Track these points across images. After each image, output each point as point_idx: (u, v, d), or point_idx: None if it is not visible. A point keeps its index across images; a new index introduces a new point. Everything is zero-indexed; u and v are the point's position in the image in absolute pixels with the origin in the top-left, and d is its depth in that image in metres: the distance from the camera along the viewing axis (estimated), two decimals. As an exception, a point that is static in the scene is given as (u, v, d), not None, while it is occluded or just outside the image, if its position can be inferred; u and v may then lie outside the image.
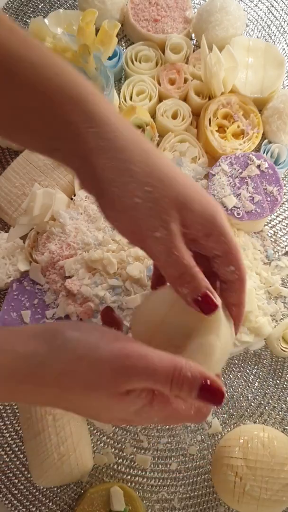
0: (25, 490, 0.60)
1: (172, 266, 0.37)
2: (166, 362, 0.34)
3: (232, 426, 0.61)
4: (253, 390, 0.63)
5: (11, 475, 0.61)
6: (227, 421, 0.62)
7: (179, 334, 0.40)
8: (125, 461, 0.61)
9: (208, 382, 0.35)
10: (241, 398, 0.62)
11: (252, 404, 0.62)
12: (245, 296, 0.41)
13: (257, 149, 0.67)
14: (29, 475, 0.60)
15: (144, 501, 0.60)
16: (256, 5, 0.77)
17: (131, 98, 0.68)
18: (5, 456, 0.61)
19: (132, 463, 0.61)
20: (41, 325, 0.43)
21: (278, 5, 0.77)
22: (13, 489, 0.60)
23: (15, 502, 0.60)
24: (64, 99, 0.36)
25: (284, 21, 0.76)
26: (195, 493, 0.60)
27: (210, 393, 0.35)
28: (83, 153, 0.37)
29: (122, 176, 0.36)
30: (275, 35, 0.75)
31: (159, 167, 0.37)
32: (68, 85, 0.37)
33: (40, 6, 0.76)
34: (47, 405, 0.38)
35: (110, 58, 0.68)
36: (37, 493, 0.60)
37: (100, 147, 0.36)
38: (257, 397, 0.62)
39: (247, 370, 0.63)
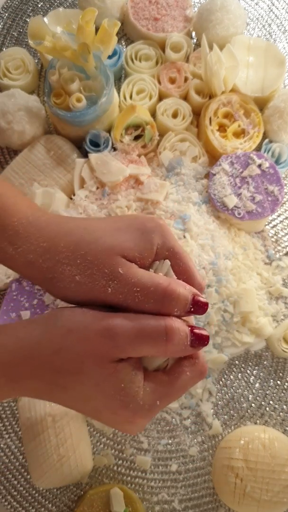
0: (24, 492, 0.60)
1: (145, 302, 0.36)
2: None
3: (232, 427, 0.61)
4: (253, 391, 0.62)
5: (10, 476, 0.60)
6: (228, 422, 0.61)
7: None
8: (125, 462, 0.61)
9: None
10: (242, 399, 0.62)
11: (253, 405, 0.62)
12: (192, 265, 0.40)
13: (258, 149, 0.67)
14: (28, 477, 0.60)
15: (144, 503, 0.59)
16: (257, 4, 0.77)
17: (131, 97, 0.68)
18: (4, 458, 0.61)
19: (132, 464, 0.60)
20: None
21: (279, 3, 0.76)
22: (13, 490, 0.60)
23: (14, 503, 0.60)
24: None
25: (285, 20, 0.76)
26: (196, 495, 0.60)
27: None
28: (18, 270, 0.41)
29: (56, 271, 0.38)
30: (276, 34, 0.75)
31: (75, 235, 0.39)
32: None
33: (39, 5, 0.76)
34: (45, 395, 0.38)
35: (110, 57, 0.67)
36: (36, 495, 0.60)
37: (28, 261, 0.40)
38: (258, 398, 0.62)
39: (248, 371, 0.63)
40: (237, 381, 0.62)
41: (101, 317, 0.36)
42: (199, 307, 0.38)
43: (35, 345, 0.36)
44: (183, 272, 0.39)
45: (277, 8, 0.76)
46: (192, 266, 0.40)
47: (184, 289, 0.37)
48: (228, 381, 0.62)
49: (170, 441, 0.61)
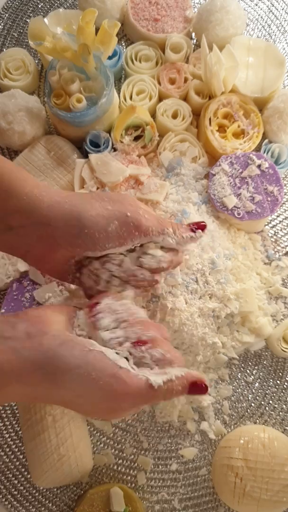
0: (24, 491, 0.60)
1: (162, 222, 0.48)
2: None
3: (232, 426, 0.61)
4: (253, 390, 0.62)
5: (10, 475, 0.60)
6: (228, 422, 0.61)
7: None
8: (125, 461, 0.61)
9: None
10: (242, 399, 0.62)
11: (253, 404, 0.62)
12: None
13: (258, 149, 0.67)
14: (28, 476, 0.60)
15: (144, 502, 0.59)
16: (256, 5, 0.77)
17: (131, 98, 0.68)
18: (5, 457, 0.61)
19: (132, 463, 0.61)
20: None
21: (279, 4, 0.77)
22: (13, 489, 0.60)
23: (14, 503, 0.60)
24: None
25: (285, 21, 0.76)
26: (195, 494, 0.60)
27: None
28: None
29: (84, 207, 0.44)
30: (275, 35, 0.75)
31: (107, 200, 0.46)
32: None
33: (40, 6, 0.76)
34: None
35: (110, 58, 0.68)
36: (36, 494, 0.60)
37: (54, 200, 0.44)
38: (257, 397, 0.62)
39: (248, 371, 0.63)
40: (237, 380, 0.63)
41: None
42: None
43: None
44: None
45: (277, 9, 0.76)
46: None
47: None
48: (228, 381, 0.62)
49: (170, 441, 0.61)
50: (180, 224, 0.50)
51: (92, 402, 0.39)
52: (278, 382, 0.63)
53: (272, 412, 0.62)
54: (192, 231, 0.50)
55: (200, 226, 0.50)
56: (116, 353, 0.39)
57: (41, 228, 0.42)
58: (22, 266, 0.62)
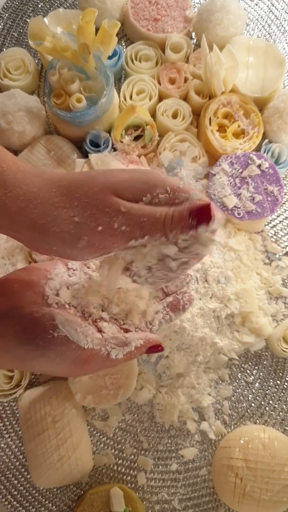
0: (24, 491, 0.60)
1: (144, 226, 0.36)
2: None
3: (232, 426, 0.61)
4: (253, 390, 0.62)
5: (10, 476, 0.60)
6: (228, 422, 0.61)
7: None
8: (125, 462, 0.61)
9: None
10: (242, 399, 0.62)
11: (253, 404, 0.62)
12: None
13: (258, 149, 0.67)
14: (28, 476, 0.60)
15: (144, 502, 0.59)
16: (256, 4, 0.77)
17: (131, 98, 0.68)
18: (4, 457, 0.61)
19: (132, 464, 0.61)
20: None
21: (279, 4, 0.77)
22: (13, 490, 0.60)
23: (14, 503, 0.60)
24: None
25: (285, 20, 0.76)
26: (195, 494, 0.60)
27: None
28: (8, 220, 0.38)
29: (50, 215, 0.37)
30: (275, 34, 0.75)
31: (68, 179, 0.38)
32: None
33: (39, 6, 0.76)
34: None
35: (110, 58, 0.68)
36: (36, 494, 0.60)
37: (19, 207, 0.37)
38: (257, 397, 0.62)
39: (248, 371, 0.63)
40: (237, 380, 0.62)
41: None
42: (203, 212, 0.36)
43: None
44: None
45: (277, 9, 0.76)
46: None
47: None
48: (228, 381, 0.62)
49: (170, 441, 0.61)
50: (178, 211, 0.37)
51: (57, 373, 0.41)
52: (278, 382, 0.63)
53: (272, 412, 0.62)
54: (190, 227, 0.36)
55: (201, 213, 0.36)
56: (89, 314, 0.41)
57: (14, 234, 0.39)
58: (22, 266, 0.62)
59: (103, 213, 0.36)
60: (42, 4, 0.76)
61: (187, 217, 0.36)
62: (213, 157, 0.66)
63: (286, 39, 0.75)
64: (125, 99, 0.68)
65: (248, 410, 0.62)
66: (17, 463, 0.61)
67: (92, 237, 0.37)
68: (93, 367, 0.41)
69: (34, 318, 0.39)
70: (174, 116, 0.67)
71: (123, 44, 0.74)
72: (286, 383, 0.63)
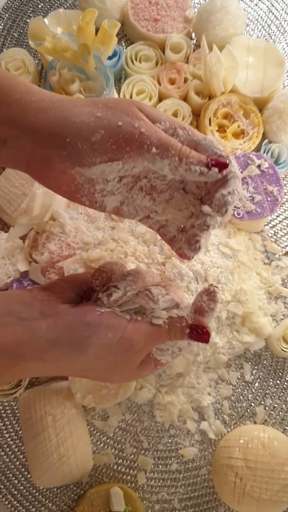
0: (25, 491, 0.60)
1: (161, 138, 0.38)
2: None
3: (232, 426, 0.61)
4: (253, 390, 0.62)
5: (11, 475, 0.60)
6: (227, 422, 0.61)
7: None
8: (125, 461, 0.61)
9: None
10: (241, 398, 0.62)
11: (252, 404, 0.62)
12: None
13: (257, 149, 0.67)
14: (29, 476, 0.60)
15: (144, 502, 0.60)
16: (256, 5, 0.77)
17: (131, 98, 0.68)
18: (5, 457, 0.61)
19: (132, 463, 0.61)
20: None
21: (279, 4, 0.77)
22: (13, 489, 0.60)
23: (15, 502, 0.60)
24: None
25: (285, 21, 0.76)
26: (195, 494, 0.60)
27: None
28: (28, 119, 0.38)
29: (73, 111, 0.38)
30: (275, 35, 0.75)
31: (99, 100, 0.39)
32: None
33: (40, 6, 0.76)
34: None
35: (110, 58, 0.68)
36: (37, 494, 0.60)
37: (41, 107, 0.38)
38: (257, 397, 0.62)
39: (248, 371, 0.63)
40: (237, 380, 0.63)
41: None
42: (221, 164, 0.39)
43: None
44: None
45: (277, 9, 0.76)
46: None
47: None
48: (228, 380, 0.62)
49: (170, 441, 0.61)
50: (195, 151, 0.39)
51: (110, 361, 0.41)
52: (278, 382, 0.63)
53: (272, 412, 0.62)
54: (207, 166, 0.39)
55: (219, 163, 0.39)
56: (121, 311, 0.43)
57: (31, 138, 0.38)
58: (22, 266, 0.62)
59: (125, 114, 0.38)
60: (42, 4, 0.76)
61: (205, 161, 0.39)
62: (213, 157, 0.66)
63: (285, 40, 0.75)
64: (125, 99, 0.68)
65: (248, 410, 0.62)
66: (17, 463, 0.61)
67: (109, 132, 0.37)
68: (142, 343, 0.41)
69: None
70: (174, 116, 0.67)
71: (123, 44, 0.74)
72: (285, 383, 0.63)
